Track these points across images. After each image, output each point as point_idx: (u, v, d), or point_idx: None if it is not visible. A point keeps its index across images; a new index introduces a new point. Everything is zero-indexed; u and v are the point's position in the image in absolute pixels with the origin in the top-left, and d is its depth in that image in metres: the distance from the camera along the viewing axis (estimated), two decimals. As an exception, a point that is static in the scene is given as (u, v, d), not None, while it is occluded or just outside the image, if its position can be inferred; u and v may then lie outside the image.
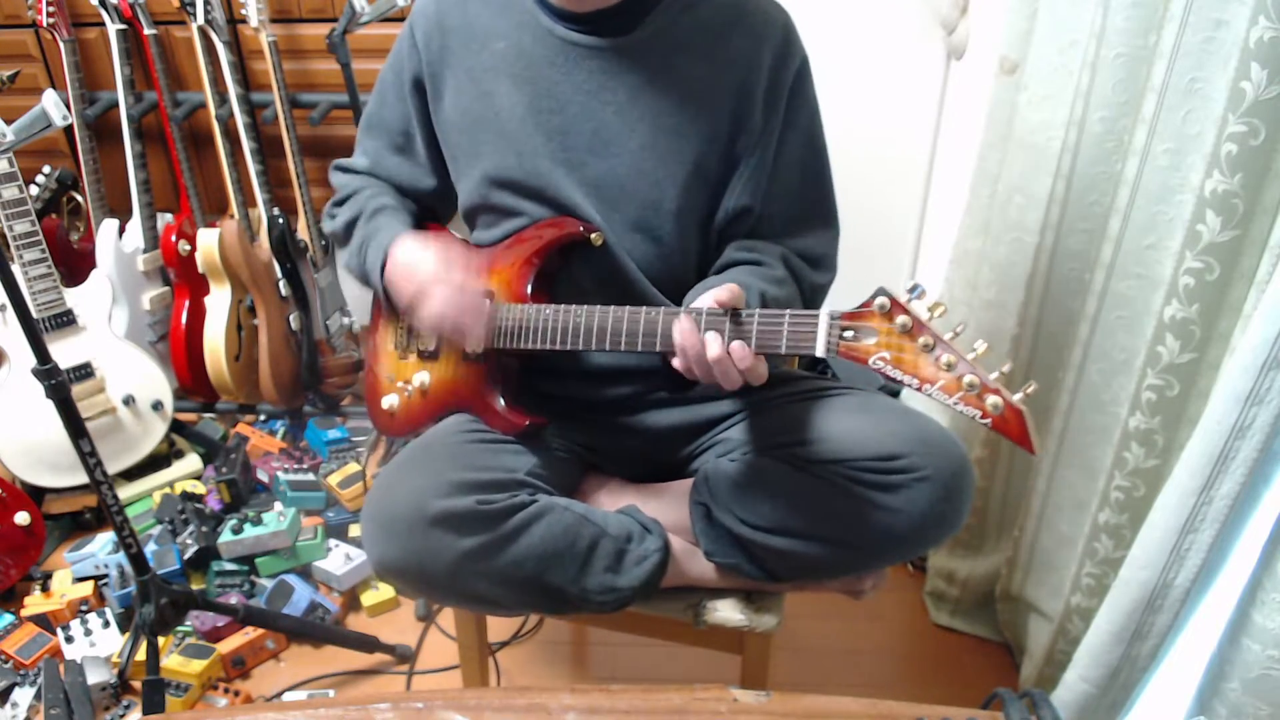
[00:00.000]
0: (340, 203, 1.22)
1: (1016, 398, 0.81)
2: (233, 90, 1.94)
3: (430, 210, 1.25)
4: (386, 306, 1.16)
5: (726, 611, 1.11)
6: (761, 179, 1.10)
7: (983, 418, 0.81)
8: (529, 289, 1.08)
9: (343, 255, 1.21)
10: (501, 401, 1.11)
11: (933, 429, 1.00)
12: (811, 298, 1.15)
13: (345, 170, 1.26)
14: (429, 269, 1.06)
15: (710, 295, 0.93)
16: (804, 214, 1.14)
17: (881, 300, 0.84)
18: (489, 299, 1.08)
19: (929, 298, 0.85)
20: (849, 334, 0.86)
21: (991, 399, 0.81)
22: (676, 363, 0.95)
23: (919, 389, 0.83)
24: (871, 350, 0.85)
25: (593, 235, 1.08)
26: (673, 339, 0.93)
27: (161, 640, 1.48)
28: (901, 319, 0.83)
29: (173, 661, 1.52)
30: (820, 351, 0.88)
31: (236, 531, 1.70)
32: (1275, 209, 0.96)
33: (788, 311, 0.90)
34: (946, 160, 1.89)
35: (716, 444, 1.16)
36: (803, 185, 1.13)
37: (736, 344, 0.90)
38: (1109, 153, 1.22)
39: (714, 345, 0.91)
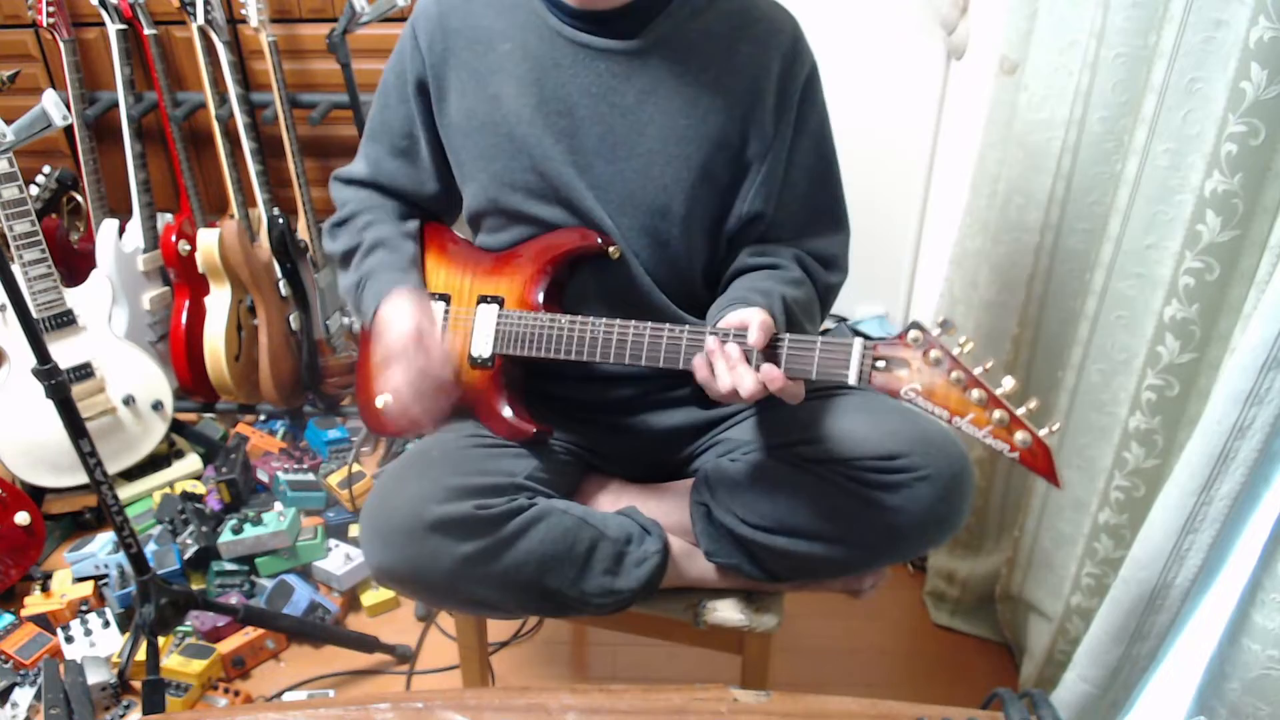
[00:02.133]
0: (339, 224, 1.21)
1: (1043, 433, 0.83)
2: (233, 90, 1.94)
3: (433, 214, 1.25)
4: None
5: (726, 611, 1.11)
6: (773, 185, 1.10)
7: (1011, 451, 0.84)
8: (540, 297, 1.08)
9: (343, 279, 1.21)
10: (509, 409, 1.10)
11: (933, 429, 1.00)
12: (825, 298, 1.15)
13: (345, 182, 1.24)
14: (399, 339, 1.04)
15: (737, 316, 0.93)
16: (815, 218, 1.14)
17: (915, 334, 0.87)
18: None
19: (957, 331, 0.88)
20: (880, 364, 0.88)
21: (1020, 434, 0.83)
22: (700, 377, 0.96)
23: (949, 421, 0.86)
24: (903, 381, 0.87)
25: (610, 249, 1.07)
26: (696, 371, 0.95)
27: (161, 640, 1.48)
28: (934, 353, 0.86)
29: (173, 661, 1.52)
30: (853, 380, 0.89)
31: (236, 531, 1.70)
32: (1275, 209, 0.96)
33: (819, 339, 0.91)
34: (946, 160, 1.90)
35: (717, 444, 1.16)
36: (813, 190, 1.13)
37: (768, 367, 0.91)
38: (1109, 153, 1.22)
39: (747, 381, 0.91)
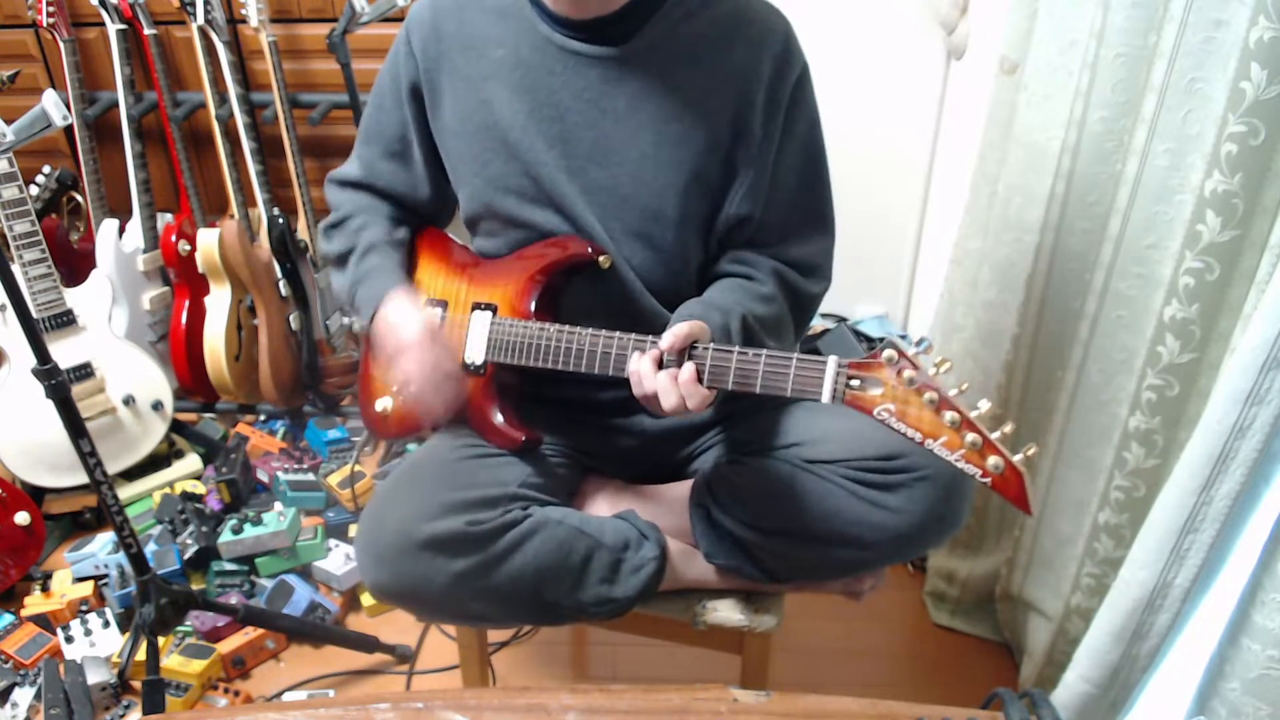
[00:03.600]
0: (334, 225, 1.22)
1: (1017, 459, 0.82)
2: (233, 90, 1.94)
3: (427, 218, 1.25)
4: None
5: (726, 612, 1.11)
6: (761, 187, 1.09)
7: (983, 476, 0.83)
8: (532, 306, 1.08)
9: (335, 281, 1.22)
10: (500, 416, 1.10)
11: (933, 429, 1.00)
12: (806, 307, 1.15)
13: (339, 184, 1.24)
14: (410, 336, 1.06)
15: (668, 334, 0.93)
16: (800, 222, 1.14)
17: (889, 353, 0.85)
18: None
19: (935, 352, 0.87)
20: (855, 383, 0.87)
21: (993, 459, 0.82)
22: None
23: (921, 443, 0.85)
24: (876, 401, 0.86)
25: (600, 259, 1.07)
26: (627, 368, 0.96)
27: (161, 640, 1.48)
28: (908, 373, 0.85)
29: (173, 661, 1.52)
30: (826, 398, 0.89)
31: (236, 531, 1.70)
32: (1275, 209, 0.96)
33: (795, 356, 0.91)
34: (946, 160, 1.90)
35: (715, 445, 1.16)
36: (799, 193, 1.13)
37: (686, 366, 0.92)
38: (1109, 153, 1.22)
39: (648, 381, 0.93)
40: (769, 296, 1.09)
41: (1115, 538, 1.23)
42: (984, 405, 0.84)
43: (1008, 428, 0.84)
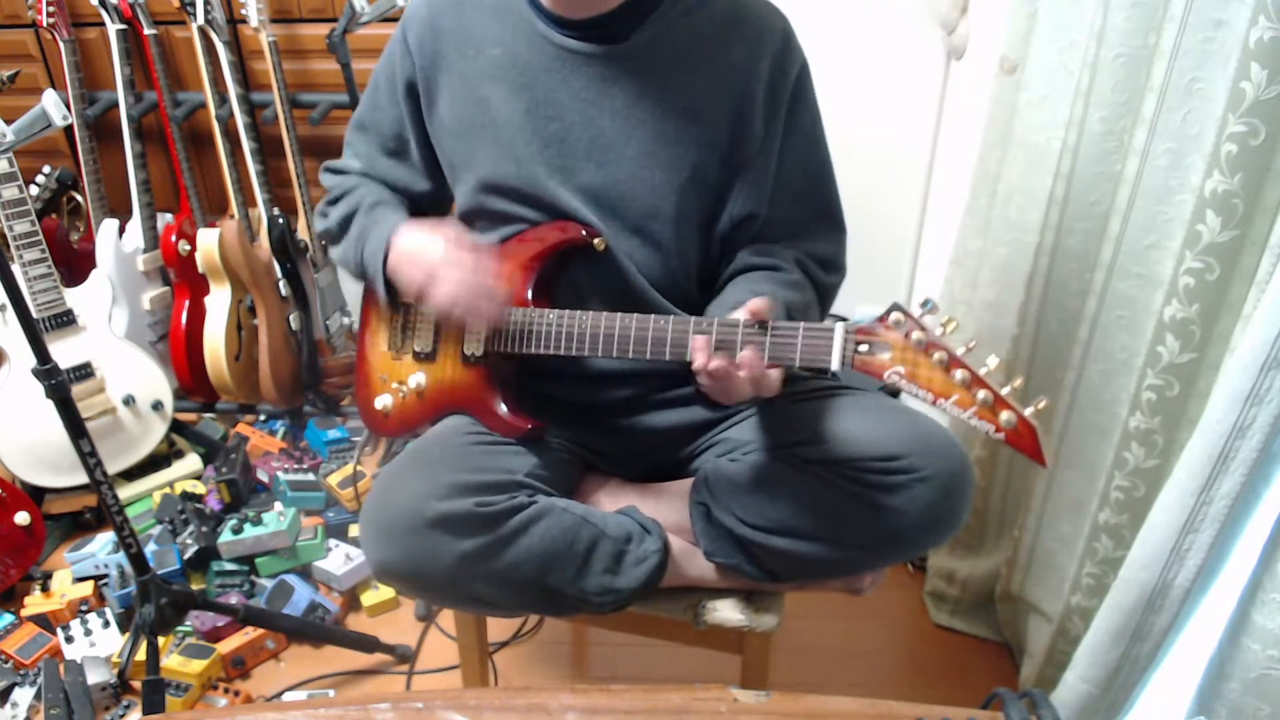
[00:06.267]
0: (334, 200, 1.21)
1: (1028, 412, 0.83)
2: (233, 90, 1.94)
3: (426, 210, 1.25)
4: (385, 299, 1.14)
5: (726, 611, 1.11)
6: (764, 185, 1.10)
7: (996, 431, 0.83)
8: (530, 292, 1.08)
9: (336, 250, 1.20)
10: (503, 406, 1.11)
11: (933, 429, 1.00)
12: (824, 299, 1.15)
13: (337, 171, 1.24)
14: (438, 252, 1.04)
15: (745, 310, 0.93)
16: (809, 218, 1.14)
17: (896, 315, 0.86)
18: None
19: (940, 312, 0.87)
20: (864, 348, 0.88)
21: (1005, 414, 0.83)
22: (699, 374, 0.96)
23: (933, 403, 0.85)
24: (886, 364, 0.86)
25: (595, 240, 1.07)
26: (686, 353, 0.95)
27: (161, 640, 1.48)
28: (917, 334, 0.85)
29: (173, 661, 1.52)
30: (835, 365, 0.89)
31: (236, 531, 1.70)
32: (1275, 209, 0.96)
33: (802, 325, 0.91)
34: (946, 160, 1.89)
35: (716, 444, 1.16)
36: (806, 189, 1.13)
37: (746, 352, 0.91)
38: (1109, 153, 1.22)
39: (718, 359, 0.92)
40: (800, 283, 1.09)
41: (1115, 538, 1.23)
42: (992, 362, 0.85)
43: (1017, 382, 0.84)
